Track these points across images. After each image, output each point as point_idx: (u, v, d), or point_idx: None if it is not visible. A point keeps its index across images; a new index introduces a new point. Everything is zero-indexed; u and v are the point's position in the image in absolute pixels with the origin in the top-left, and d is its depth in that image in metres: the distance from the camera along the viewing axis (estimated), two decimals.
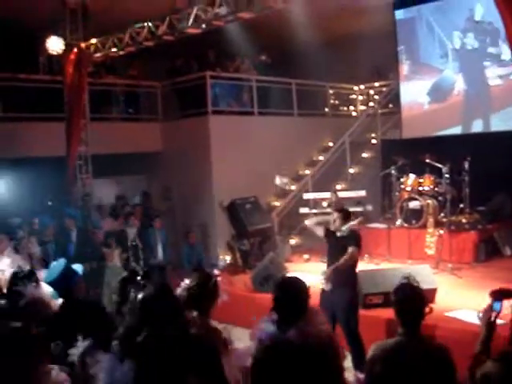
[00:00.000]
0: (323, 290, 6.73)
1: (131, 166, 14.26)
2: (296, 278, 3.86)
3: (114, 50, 11.73)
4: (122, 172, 14.52)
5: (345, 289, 6.66)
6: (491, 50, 13.08)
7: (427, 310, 3.81)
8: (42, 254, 9.40)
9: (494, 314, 3.61)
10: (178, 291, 4.15)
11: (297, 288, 3.73)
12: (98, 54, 12.14)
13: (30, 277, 5.50)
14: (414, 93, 14.54)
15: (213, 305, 4.18)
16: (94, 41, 12.04)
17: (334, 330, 6.37)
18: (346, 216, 6.93)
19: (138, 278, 4.86)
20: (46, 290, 5.23)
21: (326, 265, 6.93)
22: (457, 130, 13.64)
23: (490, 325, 3.60)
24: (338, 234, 6.81)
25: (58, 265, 5.15)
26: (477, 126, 13.41)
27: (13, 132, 11.95)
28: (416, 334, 3.74)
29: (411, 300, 3.79)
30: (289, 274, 4.01)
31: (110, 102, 14.96)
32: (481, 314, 3.67)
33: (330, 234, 6.98)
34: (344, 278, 6.62)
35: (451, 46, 13.79)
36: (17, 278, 5.46)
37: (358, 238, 6.74)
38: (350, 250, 6.56)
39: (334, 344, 3.62)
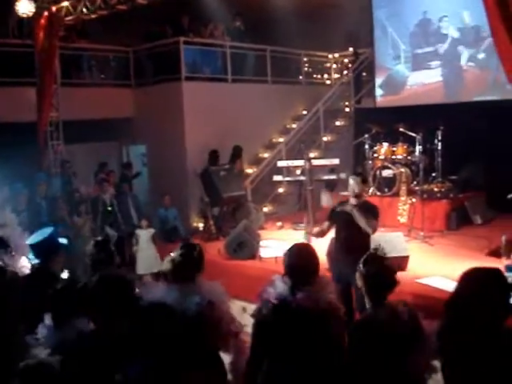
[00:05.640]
0: (334, 261, 6.72)
1: (103, 133, 14.11)
2: (307, 244, 3.90)
3: (85, 13, 11.51)
4: (94, 138, 14.35)
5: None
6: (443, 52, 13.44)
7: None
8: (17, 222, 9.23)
9: None
10: (164, 263, 4.24)
11: (308, 253, 3.80)
12: (69, 18, 11.90)
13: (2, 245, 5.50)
14: None
15: (199, 273, 4.26)
16: (65, 4, 11.73)
17: (352, 300, 6.37)
18: (365, 181, 6.91)
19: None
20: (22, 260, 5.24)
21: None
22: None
23: None
24: (353, 202, 6.60)
25: (43, 232, 5.13)
26: None
27: None
28: (382, 305, 3.76)
29: (378, 274, 3.81)
30: (298, 241, 4.01)
31: (82, 67, 14.73)
32: None
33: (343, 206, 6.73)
34: (360, 249, 6.58)
35: (404, 47, 14.00)
36: None
37: (377, 211, 6.61)
38: (374, 222, 6.44)
39: (339, 314, 3.74)
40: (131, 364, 3.07)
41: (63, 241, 5.31)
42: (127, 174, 13.34)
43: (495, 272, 3.26)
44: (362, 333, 3.67)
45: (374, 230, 6.47)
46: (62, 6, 11.78)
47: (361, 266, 3.90)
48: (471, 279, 3.25)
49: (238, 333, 4.05)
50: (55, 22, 11.88)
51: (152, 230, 10.26)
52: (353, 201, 6.65)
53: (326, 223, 6.87)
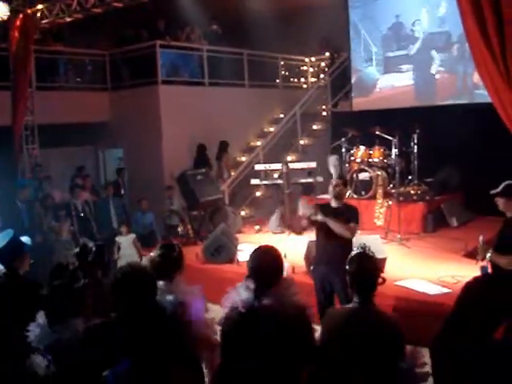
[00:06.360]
0: (316, 268, 6.65)
1: (79, 137, 14.00)
2: (271, 246, 3.86)
3: (61, 16, 11.44)
4: (70, 142, 14.23)
5: (343, 264, 6.50)
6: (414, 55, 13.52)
7: (380, 280, 3.86)
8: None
9: None
10: (142, 263, 4.24)
11: (272, 256, 3.76)
12: (44, 21, 11.82)
13: None
14: None
15: (179, 273, 4.25)
16: (40, 7, 11.67)
17: (333, 303, 6.29)
18: (346, 184, 6.84)
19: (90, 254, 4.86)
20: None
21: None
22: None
23: None
24: (334, 204, 6.54)
25: (5, 235, 5.03)
26: None
27: None
28: (369, 304, 3.77)
29: (366, 270, 3.83)
30: (263, 244, 3.96)
31: (57, 70, 14.62)
32: None
33: (325, 208, 6.57)
34: (342, 253, 6.48)
35: (375, 50, 14.07)
36: None
37: (357, 213, 6.52)
38: (353, 225, 6.31)
39: (307, 315, 3.70)
40: (119, 361, 3.04)
41: (26, 240, 5.19)
42: (118, 180, 13.20)
43: (493, 279, 3.29)
44: (338, 322, 3.71)
45: (353, 234, 6.36)
46: (38, 9, 11.72)
47: (347, 264, 3.92)
48: (473, 288, 3.27)
49: (212, 338, 3.97)
50: (30, 25, 11.79)
51: (133, 236, 10.08)
52: (334, 203, 6.57)
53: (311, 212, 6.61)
